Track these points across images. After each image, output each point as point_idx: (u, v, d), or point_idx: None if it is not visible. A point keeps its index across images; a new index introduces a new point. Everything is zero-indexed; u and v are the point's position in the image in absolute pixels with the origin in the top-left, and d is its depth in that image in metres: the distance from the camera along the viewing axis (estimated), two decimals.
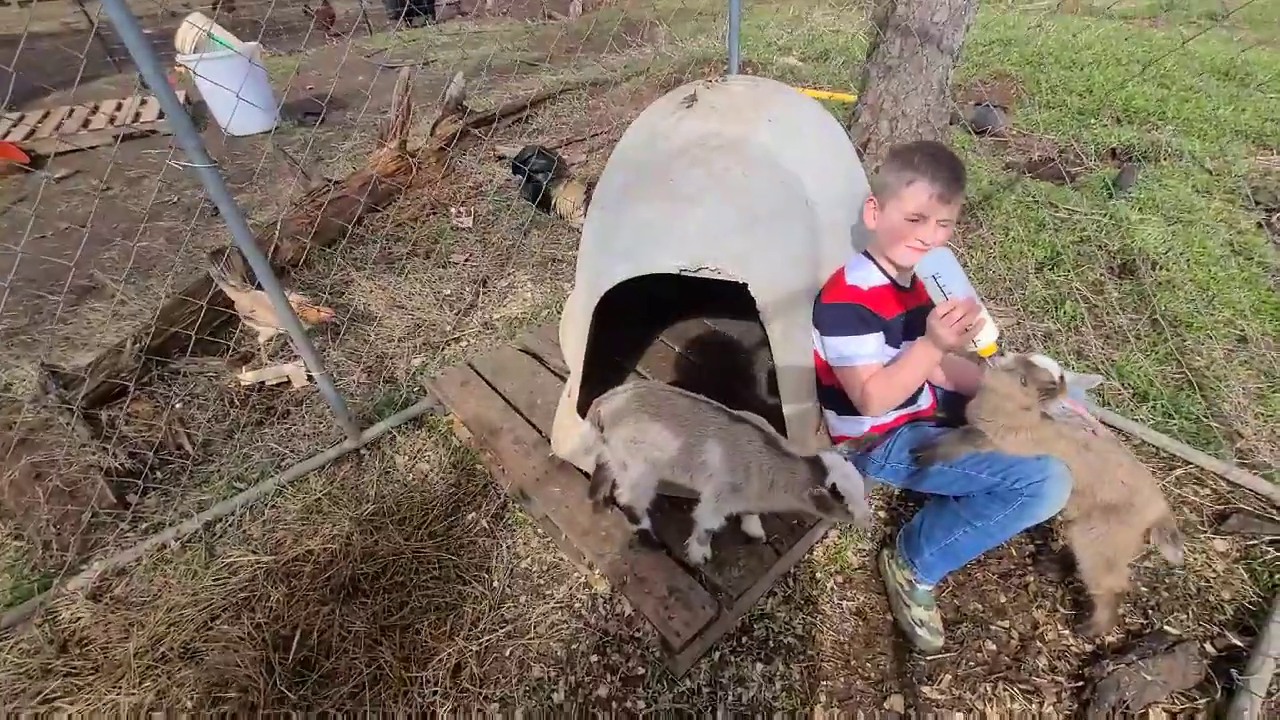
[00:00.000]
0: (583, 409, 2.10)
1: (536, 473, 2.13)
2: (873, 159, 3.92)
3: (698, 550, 1.85)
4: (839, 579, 2.06)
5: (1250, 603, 1.94)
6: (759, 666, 1.82)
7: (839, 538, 2.16)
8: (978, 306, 1.52)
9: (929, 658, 1.85)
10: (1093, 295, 3.09)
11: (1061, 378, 1.60)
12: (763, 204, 1.74)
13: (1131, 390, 2.63)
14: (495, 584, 2.03)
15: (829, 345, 1.82)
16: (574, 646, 1.87)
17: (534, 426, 2.28)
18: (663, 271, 1.65)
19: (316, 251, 3.58)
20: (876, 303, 1.77)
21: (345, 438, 2.48)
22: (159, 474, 2.43)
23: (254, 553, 2.09)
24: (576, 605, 1.98)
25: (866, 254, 1.88)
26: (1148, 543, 1.73)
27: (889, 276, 1.83)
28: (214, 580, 2.01)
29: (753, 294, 1.65)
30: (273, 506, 2.29)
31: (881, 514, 2.25)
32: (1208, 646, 1.85)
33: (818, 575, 2.07)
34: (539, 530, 2.19)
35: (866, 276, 1.81)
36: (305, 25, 9.16)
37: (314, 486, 2.35)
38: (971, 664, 1.83)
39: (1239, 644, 1.84)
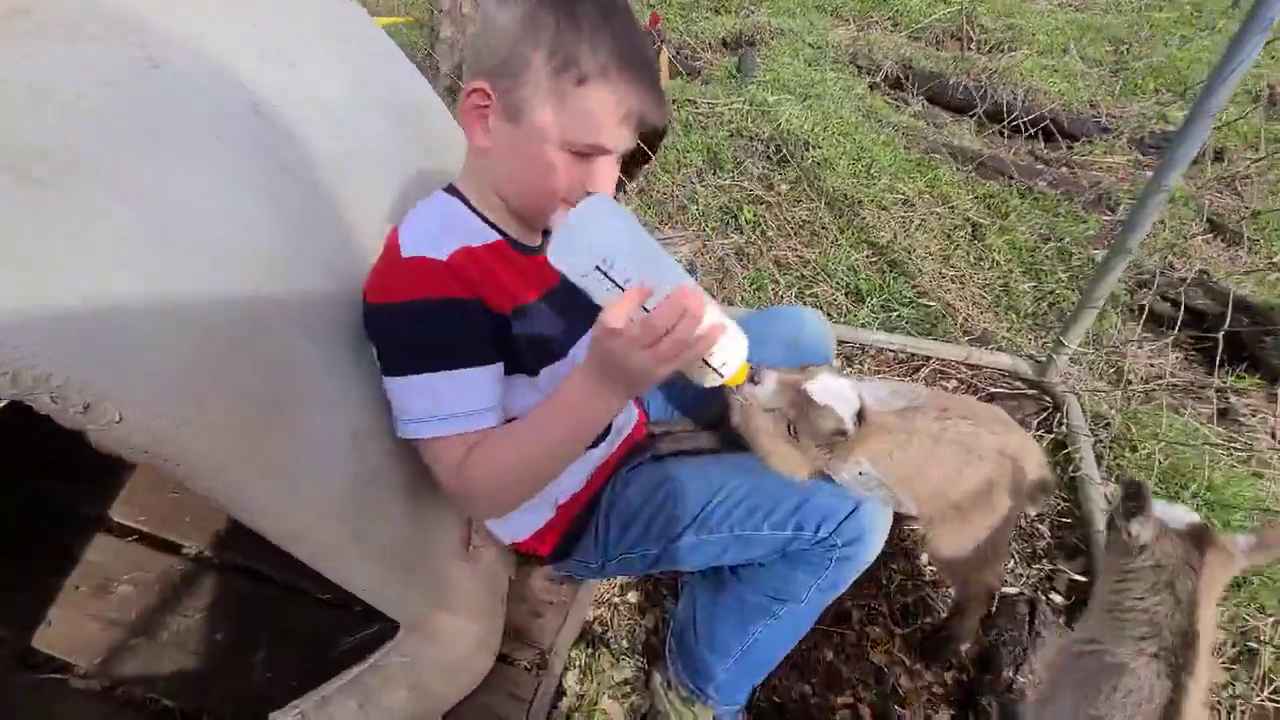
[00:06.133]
0: None
1: None
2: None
3: None
4: None
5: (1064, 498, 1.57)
6: None
7: (579, 683, 1.24)
8: (698, 295, 0.67)
9: None
10: (765, 192, 2.63)
11: (861, 413, 0.88)
12: (80, 131, 0.62)
13: (845, 289, 2.20)
14: None
15: (390, 394, 0.83)
16: None
17: None
18: None
19: None
20: (479, 279, 0.83)
21: None
22: None
23: None
24: None
25: (452, 191, 0.90)
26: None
27: (502, 230, 0.88)
28: None
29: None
30: None
31: (627, 597, 1.38)
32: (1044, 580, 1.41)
33: None
34: None
35: (449, 229, 0.84)
36: None
37: None
38: None
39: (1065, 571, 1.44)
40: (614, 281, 0.67)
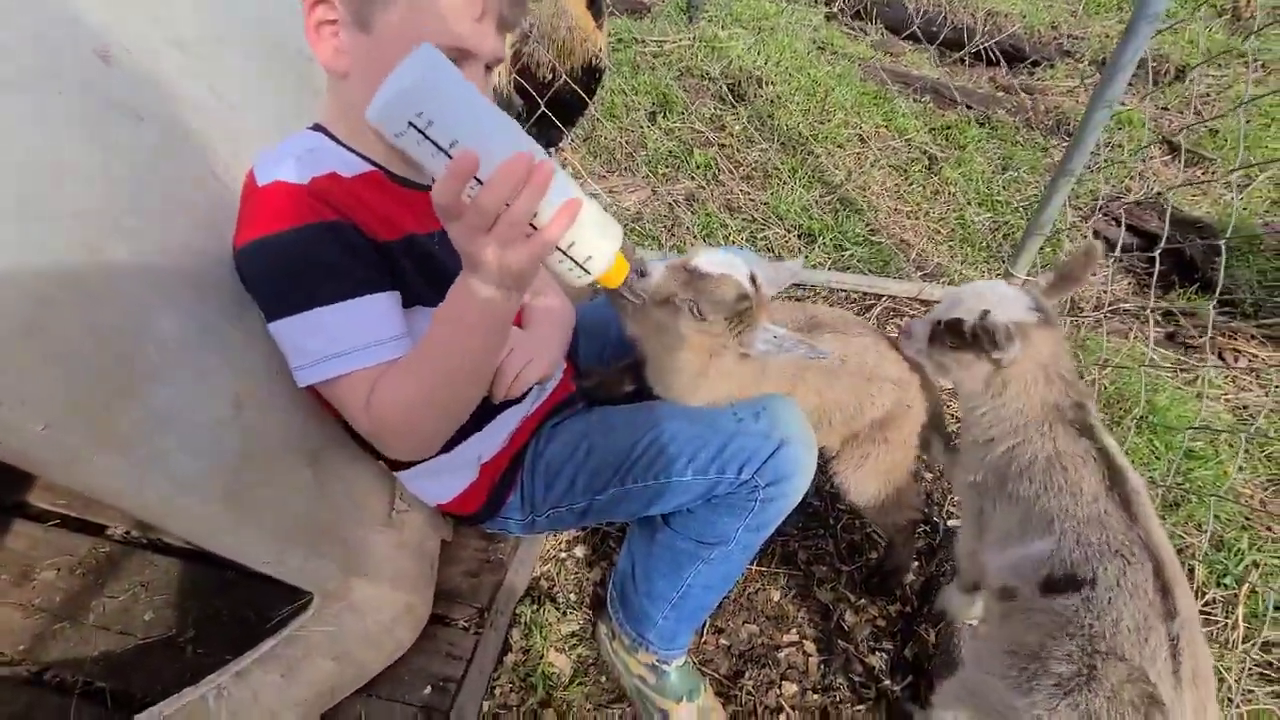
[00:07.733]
0: None
1: None
2: None
3: None
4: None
5: None
6: None
7: (524, 638, 1.24)
8: (539, 167, 0.57)
9: None
10: (716, 134, 2.54)
11: (754, 278, 0.83)
12: None
13: (797, 231, 2.15)
14: None
15: (280, 343, 0.77)
16: None
17: None
18: None
19: None
20: (346, 204, 0.77)
21: None
22: None
23: None
24: None
25: (317, 128, 0.83)
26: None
27: (371, 160, 0.82)
28: None
29: None
30: None
31: (574, 551, 1.38)
32: None
33: None
34: None
35: (311, 158, 0.78)
36: None
37: None
38: None
39: None
40: (436, 145, 0.56)
